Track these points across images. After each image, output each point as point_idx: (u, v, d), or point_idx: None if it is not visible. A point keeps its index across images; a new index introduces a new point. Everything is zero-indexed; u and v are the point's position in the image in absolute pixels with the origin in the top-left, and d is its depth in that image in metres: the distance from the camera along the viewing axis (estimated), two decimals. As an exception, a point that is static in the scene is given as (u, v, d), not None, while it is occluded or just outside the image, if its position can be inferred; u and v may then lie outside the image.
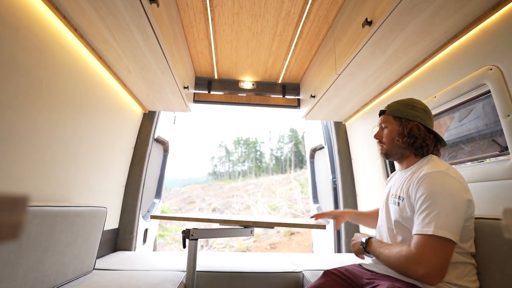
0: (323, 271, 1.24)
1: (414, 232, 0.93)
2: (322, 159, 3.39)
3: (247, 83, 2.70)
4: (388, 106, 1.22)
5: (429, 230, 0.87)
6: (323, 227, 1.40)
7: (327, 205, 3.18)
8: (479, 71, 1.22)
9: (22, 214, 0.27)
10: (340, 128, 2.74)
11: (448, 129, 1.56)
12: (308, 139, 3.81)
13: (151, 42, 1.45)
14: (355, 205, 2.59)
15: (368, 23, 1.31)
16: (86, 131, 1.65)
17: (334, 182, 2.83)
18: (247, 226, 1.55)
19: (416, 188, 0.98)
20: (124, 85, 1.97)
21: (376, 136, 1.25)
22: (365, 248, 1.11)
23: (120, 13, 1.23)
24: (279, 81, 2.73)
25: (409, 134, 1.12)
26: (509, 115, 1.12)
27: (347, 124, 2.69)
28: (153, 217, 1.43)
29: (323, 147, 3.29)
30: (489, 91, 1.21)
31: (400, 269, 0.93)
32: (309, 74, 2.43)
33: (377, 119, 2.10)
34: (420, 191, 0.96)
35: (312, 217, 1.57)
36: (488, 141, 1.35)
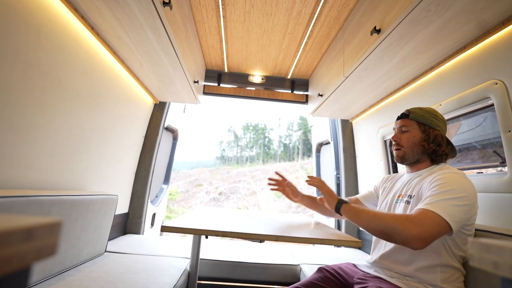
0: (317, 267, 1.32)
1: (420, 206, 0.95)
2: (328, 154, 3.42)
3: (256, 77, 2.72)
4: (412, 111, 1.21)
5: (436, 209, 0.91)
6: (360, 243, 1.09)
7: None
8: (485, 84, 1.23)
9: (57, 236, 0.34)
10: (347, 126, 2.76)
11: (451, 137, 1.58)
12: (315, 133, 3.84)
13: (163, 41, 1.50)
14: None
15: (377, 31, 1.32)
16: (100, 123, 1.73)
17: (338, 178, 2.87)
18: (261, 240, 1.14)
19: (432, 182, 1.02)
20: (136, 78, 2.03)
21: (394, 138, 1.24)
22: (341, 205, 1.15)
23: (134, 14, 1.28)
24: (288, 77, 2.74)
25: (434, 141, 1.15)
26: (510, 131, 1.13)
27: (353, 122, 2.71)
28: (163, 228, 1.06)
29: (329, 143, 3.32)
30: (492, 105, 1.22)
31: (392, 224, 0.93)
32: (318, 72, 2.43)
33: (383, 120, 2.14)
34: (436, 182, 0.99)
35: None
36: (489, 152, 1.37)
